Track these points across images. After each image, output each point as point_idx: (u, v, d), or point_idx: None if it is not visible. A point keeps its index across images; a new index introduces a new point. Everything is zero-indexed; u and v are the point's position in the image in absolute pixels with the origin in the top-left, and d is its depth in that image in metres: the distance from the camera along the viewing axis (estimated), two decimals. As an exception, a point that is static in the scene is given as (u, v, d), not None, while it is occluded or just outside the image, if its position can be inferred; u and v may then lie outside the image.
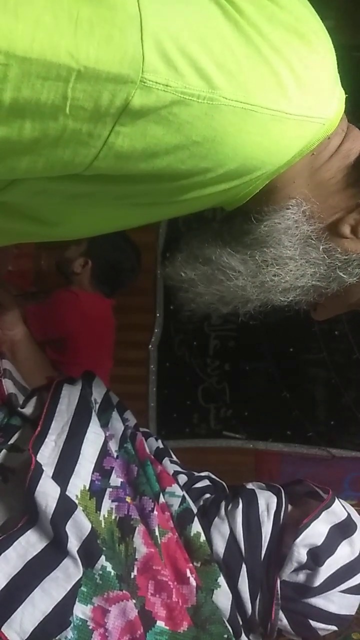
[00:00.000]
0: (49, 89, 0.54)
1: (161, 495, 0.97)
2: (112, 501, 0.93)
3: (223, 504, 0.99)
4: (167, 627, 0.86)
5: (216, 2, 0.59)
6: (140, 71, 0.55)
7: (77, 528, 0.85)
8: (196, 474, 1.09)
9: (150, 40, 0.55)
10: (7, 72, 0.52)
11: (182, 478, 1.05)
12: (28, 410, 1.07)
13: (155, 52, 0.55)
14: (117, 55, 0.54)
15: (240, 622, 0.93)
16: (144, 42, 0.55)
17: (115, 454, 1.00)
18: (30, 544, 0.84)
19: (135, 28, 0.54)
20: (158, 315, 2.41)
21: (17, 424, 1.06)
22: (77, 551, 0.84)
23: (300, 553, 0.91)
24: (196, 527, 0.94)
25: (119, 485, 0.96)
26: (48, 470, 0.89)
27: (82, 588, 0.83)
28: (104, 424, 1.05)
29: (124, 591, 0.85)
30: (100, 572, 0.85)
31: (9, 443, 1.01)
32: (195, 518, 0.95)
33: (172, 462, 1.07)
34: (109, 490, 0.94)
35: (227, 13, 0.60)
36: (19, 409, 1.07)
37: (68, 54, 0.53)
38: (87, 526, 0.85)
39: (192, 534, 0.93)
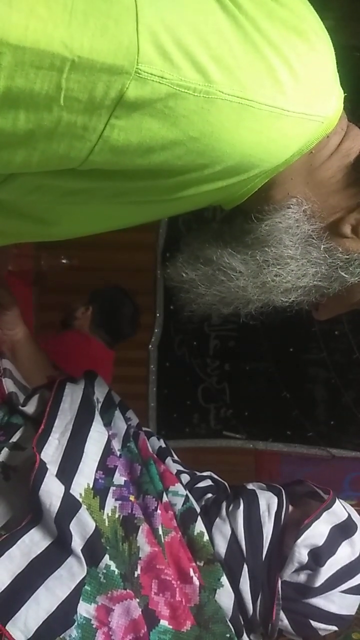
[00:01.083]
0: (43, 79, 0.54)
1: (164, 495, 0.97)
2: (116, 500, 0.93)
3: (224, 504, 0.99)
4: (171, 626, 0.87)
5: None
6: (135, 62, 0.54)
7: (81, 527, 0.85)
8: (198, 473, 1.09)
9: (145, 31, 0.54)
10: (0, 61, 0.52)
11: (185, 477, 1.05)
12: (29, 409, 1.07)
13: (150, 44, 0.55)
14: (112, 45, 0.54)
15: (242, 622, 0.93)
16: (140, 33, 0.54)
17: (118, 453, 1.00)
18: (34, 542, 0.84)
19: (131, 19, 0.54)
20: (158, 315, 2.41)
21: (18, 422, 1.06)
22: (81, 550, 0.84)
23: (302, 553, 0.92)
24: (199, 526, 0.94)
25: (122, 484, 0.96)
26: (52, 469, 0.89)
27: (86, 587, 0.84)
28: (107, 423, 1.05)
29: (127, 590, 0.85)
30: (104, 571, 0.85)
31: (11, 441, 1.01)
32: (199, 517, 0.95)
33: (174, 461, 1.07)
34: (112, 489, 0.94)
35: (225, 8, 0.59)
36: (20, 407, 1.07)
37: (62, 43, 0.53)
38: (91, 525, 0.85)
39: (195, 533, 0.94)
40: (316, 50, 0.65)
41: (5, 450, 0.99)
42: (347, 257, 0.78)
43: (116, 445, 1.02)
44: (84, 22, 0.53)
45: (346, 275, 0.79)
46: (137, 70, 0.55)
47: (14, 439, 1.02)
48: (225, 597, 0.91)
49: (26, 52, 0.52)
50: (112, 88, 0.55)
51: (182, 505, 0.96)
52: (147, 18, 0.55)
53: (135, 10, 0.54)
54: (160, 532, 0.92)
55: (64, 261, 2.23)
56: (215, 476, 1.10)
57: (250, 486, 1.04)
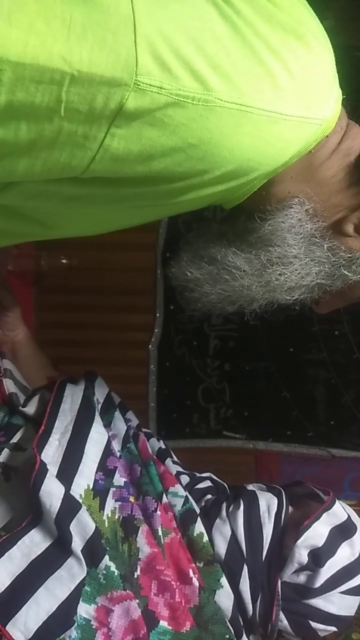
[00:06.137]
0: (43, 92, 0.55)
1: (164, 496, 0.97)
2: (116, 501, 0.94)
3: (224, 505, 0.99)
4: (170, 627, 0.87)
5: (213, 2, 0.59)
6: (134, 74, 0.55)
7: (81, 527, 0.85)
8: (198, 474, 1.09)
9: (143, 42, 0.55)
10: (1, 77, 0.53)
11: (184, 479, 1.05)
12: (30, 409, 1.08)
13: (148, 55, 0.55)
14: (110, 58, 0.54)
15: (242, 623, 0.94)
16: (138, 44, 0.55)
17: (118, 454, 1.00)
18: (34, 543, 0.84)
19: (129, 30, 0.54)
20: (158, 315, 2.40)
21: (19, 423, 1.06)
22: (81, 551, 0.84)
23: (302, 554, 0.92)
24: (199, 527, 0.94)
25: (122, 485, 0.96)
26: (52, 470, 0.90)
27: (86, 587, 0.84)
28: (107, 424, 1.05)
29: (127, 591, 0.85)
30: (104, 572, 0.85)
31: (11, 442, 1.01)
32: (198, 518, 0.95)
33: (174, 462, 1.07)
34: (112, 489, 0.94)
35: (223, 13, 0.59)
36: (20, 408, 1.08)
37: (61, 58, 0.53)
38: (91, 526, 0.86)
39: (195, 534, 0.94)
40: (315, 52, 0.65)
41: (6, 451, 0.99)
42: (350, 255, 0.79)
43: (116, 446, 1.02)
44: (82, 35, 0.53)
45: (349, 274, 0.80)
46: (136, 82, 0.55)
47: (15, 439, 1.02)
48: (224, 598, 0.92)
49: (26, 68, 0.53)
50: (111, 99, 0.56)
51: (182, 506, 0.97)
52: (144, 29, 0.55)
53: (133, 22, 0.55)
54: (160, 533, 0.92)
55: (64, 261, 2.22)
56: (215, 477, 1.11)
57: (250, 487, 1.04)
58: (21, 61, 0.52)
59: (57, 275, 2.27)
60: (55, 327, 2.35)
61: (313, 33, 0.66)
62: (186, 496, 0.98)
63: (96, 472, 0.94)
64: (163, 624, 0.86)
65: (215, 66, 0.58)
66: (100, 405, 1.09)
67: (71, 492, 0.88)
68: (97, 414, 1.03)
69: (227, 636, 0.90)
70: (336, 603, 0.93)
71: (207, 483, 1.07)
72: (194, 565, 0.93)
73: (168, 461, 1.06)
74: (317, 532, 0.93)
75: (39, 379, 1.26)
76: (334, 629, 0.95)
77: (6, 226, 0.79)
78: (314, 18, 0.69)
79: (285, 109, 0.63)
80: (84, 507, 0.87)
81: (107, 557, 0.85)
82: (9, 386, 1.14)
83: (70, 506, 0.86)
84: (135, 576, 0.88)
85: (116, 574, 0.85)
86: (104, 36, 0.54)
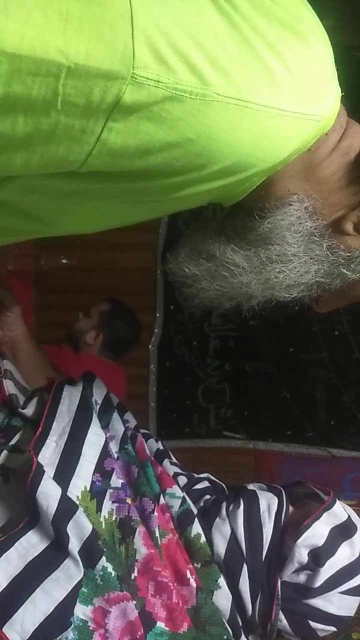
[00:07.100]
0: (40, 85, 0.55)
1: (161, 497, 0.97)
2: (113, 502, 0.93)
3: (224, 504, 0.99)
4: (167, 628, 0.86)
5: None
6: (131, 67, 0.55)
7: (78, 529, 0.85)
8: (196, 475, 1.09)
9: (141, 36, 0.55)
10: None
11: (182, 479, 1.05)
12: (29, 411, 1.07)
13: (146, 48, 0.55)
14: (108, 51, 0.54)
15: (240, 623, 0.93)
16: (135, 38, 0.55)
17: (115, 455, 1.00)
18: (31, 544, 0.84)
19: (126, 24, 0.55)
20: (158, 315, 2.40)
21: (18, 424, 1.06)
22: (78, 552, 0.84)
23: (302, 554, 0.92)
24: (196, 528, 0.94)
25: (119, 486, 0.96)
26: (49, 471, 0.89)
27: (83, 589, 0.83)
28: (105, 425, 1.05)
29: (124, 592, 0.85)
30: (101, 573, 0.85)
31: (10, 444, 1.01)
32: (196, 519, 0.95)
33: (172, 463, 1.07)
34: (109, 491, 0.94)
35: (221, 9, 0.59)
36: (19, 409, 1.07)
37: (58, 50, 0.53)
38: (88, 527, 0.85)
39: (192, 535, 0.94)
40: (313, 49, 0.65)
41: (5, 452, 0.99)
42: (349, 254, 0.79)
43: (114, 447, 1.02)
44: (79, 28, 0.54)
45: (348, 273, 0.79)
46: (133, 75, 0.55)
47: (14, 441, 1.02)
48: (222, 599, 0.91)
49: (23, 60, 0.53)
50: (108, 93, 0.56)
51: (179, 507, 0.96)
52: (142, 22, 0.55)
53: (131, 15, 0.55)
54: (157, 534, 0.92)
55: (64, 261, 2.24)
56: (213, 477, 1.10)
57: (250, 486, 1.04)
58: (17, 53, 0.53)
59: (57, 275, 2.29)
60: (55, 327, 2.36)
61: (312, 30, 0.66)
62: (183, 497, 0.98)
63: (93, 474, 0.94)
64: (160, 625, 0.86)
65: (213, 61, 0.58)
66: (98, 407, 1.09)
67: (68, 493, 0.88)
68: (94, 415, 1.03)
69: (225, 637, 0.90)
70: (336, 603, 0.93)
71: (205, 484, 1.07)
72: (191, 566, 0.93)
73: (166, 462, 1.06)
74: (317, 532, 0.93)
75: (39, 379, 1.26)
76: (333, 629, 0.95)
77: (4, 222, 0.79)
78: (313, 15, 0.69)
79: (283, 104, 0.63)
80: (81, 509, 0.87)
81: (104, 558, 0.85)
82: (9, 387, 1.14)
83: (67, 507, 0.85)
84: (133, 577, 0.88)
85: (113, 575, 0.85)
86: (101, 29, 0.54)
